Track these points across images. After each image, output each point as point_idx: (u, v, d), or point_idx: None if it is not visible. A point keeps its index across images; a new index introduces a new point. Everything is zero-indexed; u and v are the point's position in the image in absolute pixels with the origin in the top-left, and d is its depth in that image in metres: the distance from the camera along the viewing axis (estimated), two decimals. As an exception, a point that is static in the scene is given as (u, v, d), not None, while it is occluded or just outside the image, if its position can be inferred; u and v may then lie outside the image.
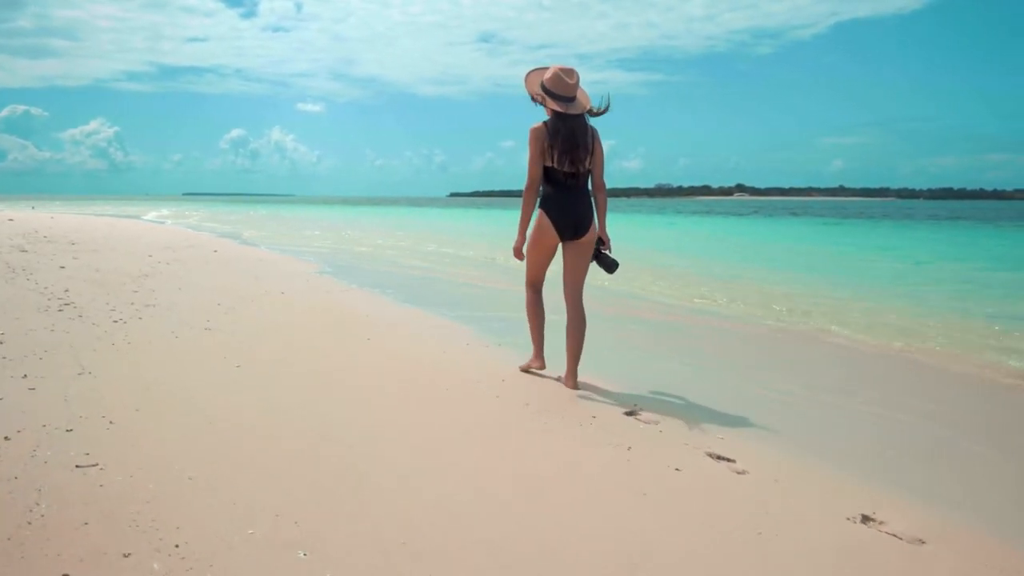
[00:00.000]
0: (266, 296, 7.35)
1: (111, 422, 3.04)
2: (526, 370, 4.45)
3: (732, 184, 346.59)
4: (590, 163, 4.10)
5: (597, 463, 3.00)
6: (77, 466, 2.55)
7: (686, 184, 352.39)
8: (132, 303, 6.29)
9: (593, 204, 4.17)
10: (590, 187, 4.19)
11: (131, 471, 2.54)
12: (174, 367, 4.13)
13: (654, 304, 8.00)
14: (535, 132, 4.04)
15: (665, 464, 3.03)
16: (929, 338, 6.06)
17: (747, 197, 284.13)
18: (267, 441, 3.00)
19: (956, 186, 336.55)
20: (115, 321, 5.37)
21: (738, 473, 3.03)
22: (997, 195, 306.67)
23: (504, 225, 27.90)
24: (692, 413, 3.85)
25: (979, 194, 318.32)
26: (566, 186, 4.08)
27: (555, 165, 4.03)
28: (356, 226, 26.94)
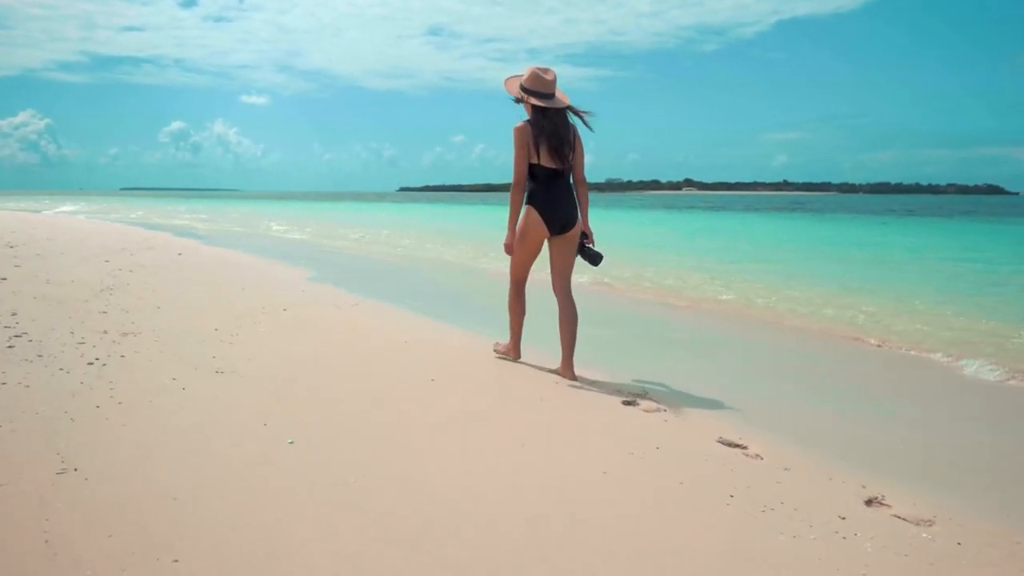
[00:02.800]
0: (267, 314, 5.98)
1: (140, 598, 1.72)
2: (501, 354, 4.63)
3: (681, 179, 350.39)
4: (572, 159, 4.18)
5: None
6: None
7: (636, 179, 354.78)
8: (104, 331, 4.86)
9: (576, 199, 4.27)
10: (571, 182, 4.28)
11: None
12: (200, 451, 2.79)
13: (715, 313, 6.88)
14: (520, 131, 4.09)
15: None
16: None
17: (696, 192, 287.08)
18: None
19: (893, 181, 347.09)
20: (90, 363, 3.96)
21: None
22: (932, 190, 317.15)
23: (472, 220, 26.65)
24: (861, 465, 2.72)
25: (916, 189, 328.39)
26: (551, 182, 4.14)
27: (540, 161, 4.09)
28: (320, 224, 25.29)
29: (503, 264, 4.93)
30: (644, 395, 3.93)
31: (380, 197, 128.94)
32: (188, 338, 4.80)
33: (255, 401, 3.44)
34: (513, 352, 4.56)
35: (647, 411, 3.64)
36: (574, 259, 4.35)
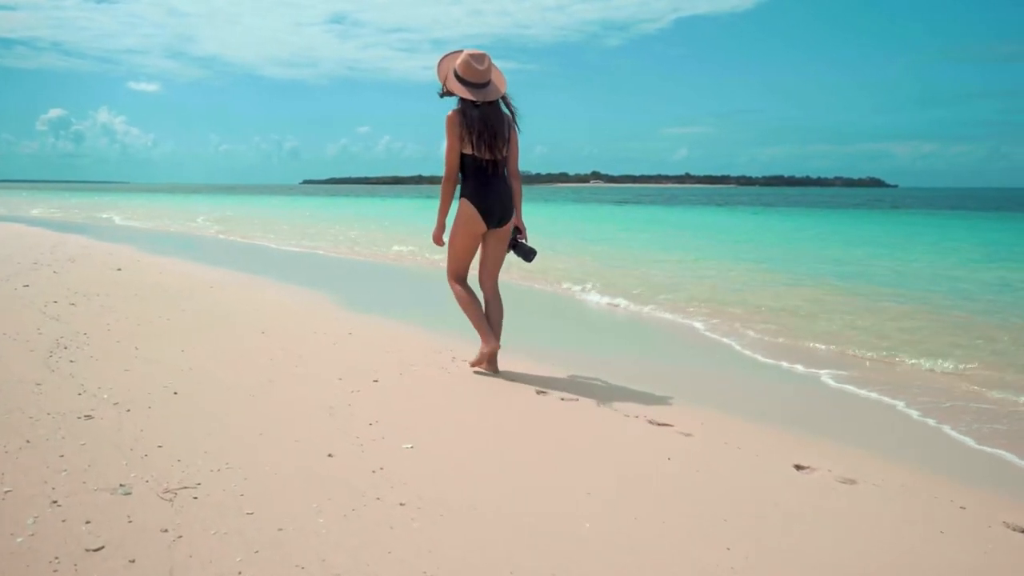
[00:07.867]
0: (364, 395, 3.58)
1: None
2: (478, 364, 4.21)
3: (588, 172, 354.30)
4: (507, 151, 4.06)
5: None
6: None
7: (544, 172, 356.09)
8: (126, 488, 2.32)
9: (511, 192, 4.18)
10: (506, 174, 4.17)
11: None
12: None
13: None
14: (451, 120, 3.97)
15: None
16: None
17: (603, 184, 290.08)
18: None
19: (787, 174, 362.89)
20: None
21: None
22: (822, 182, 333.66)
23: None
24: None
25: (806, 181, 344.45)
26: (485, 174, 4.02)
27: (473, 152, 3.97)
28: (262, 220, 22.13)
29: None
30: None
31: (289, 190, 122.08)
32: (296, 489, 2.32)
33: None
34: (487, 345, 4.14)
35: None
36: (504, 254, 4.24)
